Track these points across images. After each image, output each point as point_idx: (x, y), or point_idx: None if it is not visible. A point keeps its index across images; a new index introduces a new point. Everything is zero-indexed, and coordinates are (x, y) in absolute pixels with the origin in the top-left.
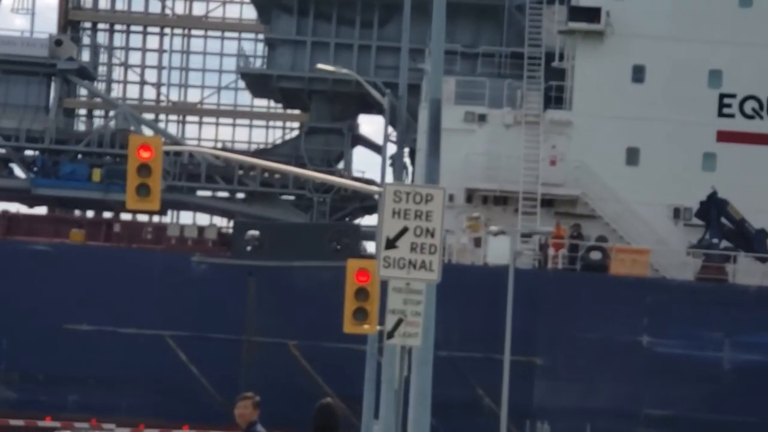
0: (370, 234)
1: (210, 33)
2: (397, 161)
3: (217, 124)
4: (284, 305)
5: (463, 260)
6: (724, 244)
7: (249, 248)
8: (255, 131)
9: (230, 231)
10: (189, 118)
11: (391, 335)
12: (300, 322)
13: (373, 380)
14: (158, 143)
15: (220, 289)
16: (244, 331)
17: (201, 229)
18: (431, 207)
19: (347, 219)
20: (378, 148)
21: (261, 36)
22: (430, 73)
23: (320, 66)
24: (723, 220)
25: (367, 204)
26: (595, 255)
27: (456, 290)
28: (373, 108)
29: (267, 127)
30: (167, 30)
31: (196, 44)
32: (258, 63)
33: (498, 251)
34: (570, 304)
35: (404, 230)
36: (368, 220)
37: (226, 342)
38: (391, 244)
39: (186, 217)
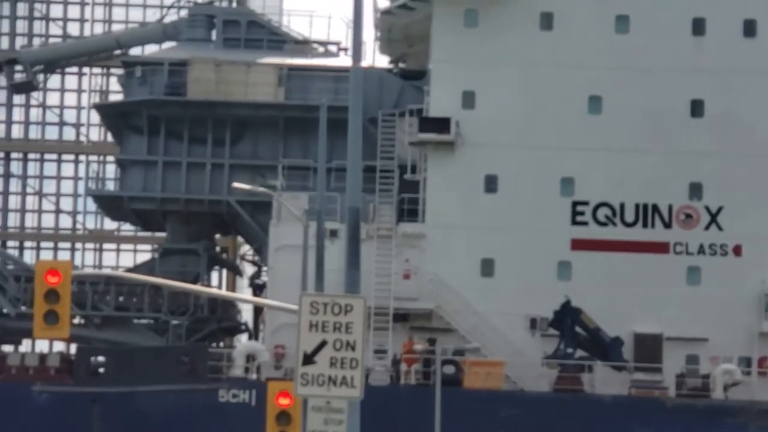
0: (219, 355)
1: None
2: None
3: (72, 249)
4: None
5: None
6: (580, 353)
7: (92, 374)
8: (124, 255)
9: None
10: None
11: None
12: None
13: None
14: (67, 268)
15: (63, 417)
16: None
17: (43, 357)
18: (351, 318)
19: (206, 342)
20: (235, 268)
21: None
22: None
23: (236, 185)
24: (577, 328)
25: (226, 325)
26: (448, 369)
27: None
28: (229, 228)
29: (135, 251)
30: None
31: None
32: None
33: None
34: (424, 420)
35: (323, 344)
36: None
37: None
38: (308, 359)
39: (39, 346)
